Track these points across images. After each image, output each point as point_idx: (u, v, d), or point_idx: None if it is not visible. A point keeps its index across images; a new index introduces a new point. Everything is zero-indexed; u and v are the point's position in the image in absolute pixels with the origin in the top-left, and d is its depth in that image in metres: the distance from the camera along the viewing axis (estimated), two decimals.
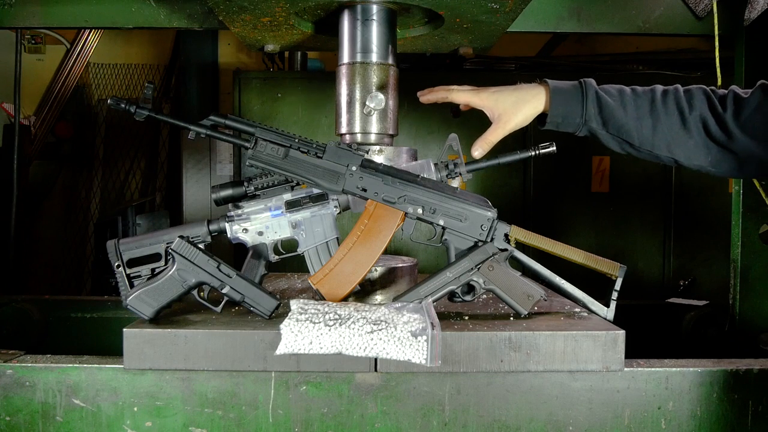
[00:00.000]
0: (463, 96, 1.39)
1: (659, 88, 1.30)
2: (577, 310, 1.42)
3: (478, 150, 1.38)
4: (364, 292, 1.49)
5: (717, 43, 1.62)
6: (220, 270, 1.29)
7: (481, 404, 1.24)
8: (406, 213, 1.36)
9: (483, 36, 1.76)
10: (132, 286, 1.36)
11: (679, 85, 1.31)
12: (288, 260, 1.46)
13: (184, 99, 3.96)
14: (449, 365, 1.20)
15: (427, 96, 1.45)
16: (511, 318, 1.34)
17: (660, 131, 1.27)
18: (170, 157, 4.23)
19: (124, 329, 1.22)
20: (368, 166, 1.36)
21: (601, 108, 1.29)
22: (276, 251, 1.45)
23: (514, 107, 1.33)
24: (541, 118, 1.36)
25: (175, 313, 1.34)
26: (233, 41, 4.19)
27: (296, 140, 1.35)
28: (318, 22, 1.71)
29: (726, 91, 1.27)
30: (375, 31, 1.53)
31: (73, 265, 4.24)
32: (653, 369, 1.27)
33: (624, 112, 1.28)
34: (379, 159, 1.49)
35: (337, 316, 1.20)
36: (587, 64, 3.46)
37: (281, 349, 1.15)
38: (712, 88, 1.30)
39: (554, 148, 1.44)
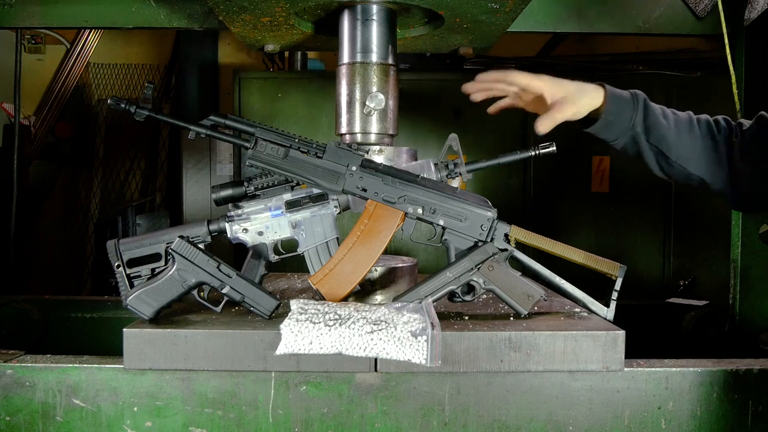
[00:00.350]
0: (523, 79, 1.37)
1: (692, 113, 1.37)
2: (577, 310, 1.42)
3: (543, 126, 1.34)
4: (364, 292, 1.49)
5: (726, 40, 1.62)
6: (220, 270, 1.29)
7: (481, 404, 1.24)
8: (406, 213, 1.36)
9: (483, 36, 1.76)
10: (132, 286, 1.36)
11: (706, 115, 1.37)
12: (288, 260, 1.46)
13: (184, 99, 3.96)
14: (449, 365, 1.20)
15: (479, 85, 1.42)
16: (511, 318, 1.34)
17: (695, 149, 1.32)
18: (170, 157, 4.22)
19: (124, 329, 1.22)
20: (368, 166, 1.36)
21: (646, 115, 1.32)
22: (276, 251, 1.45)
23: (575, 94, 1.33)
24: (584, 121, 1.37)
25: (175, 313, 1.34)
26: (233, 41, 4.19)
27: (296, 140, 1.35)
28: (318, 22, 1.71)
29: (738, 122, 1.36)
30: (375, 31, 1.53)
31: (73, 265, 4.24)
32: (653, 369, 1.27)
33: (667, 124, 1.32)
34: (379, 159, 1.49)
35: (337, 316, 1.20)
36: (587, 64, 3.46)
37: (281, 349, 1.15)
38: (726, 118, 1.36)
39: (554, 148, 1.44)
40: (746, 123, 1.35)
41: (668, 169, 1.36)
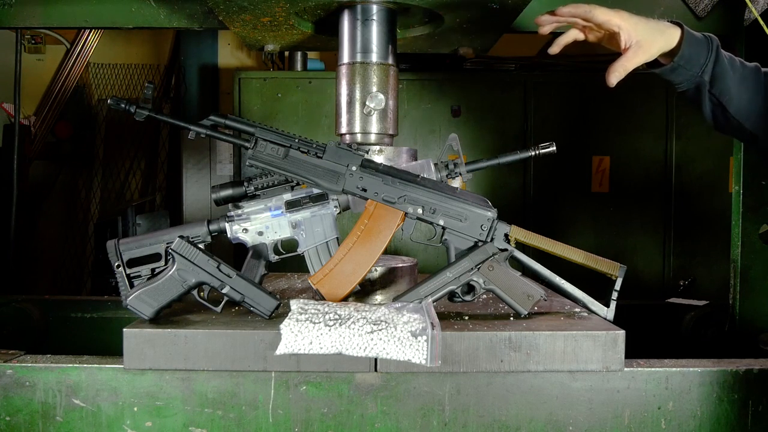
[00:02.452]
0: (601, 15, 1.29)
1: (757, 65, 1.32)
2: (577, 310, 1.42)
3: (615, 75, 1.30)
4: (364, 292, 1.49)
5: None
6: (220, 270, 1.29)
7: (481, 404, 1.24)
8: (406, 213, 1.36)
9: (483, 36, 1.76)
10: (132, 286, 1.36)
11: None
12: (288, 260, 1.46)
13: (184, 99, 3.96)
14: (449, 365, 1.20)
15: (554, 17, 1.37)
16: (511, 318, 1.34)
17: (756, 103, 1.28)
18: (170, 157, 4.22)
19: (124, 329, 1.22)
20: (368, 166, 1.36)
21: (716, 62, 1.27)
22: (276, 251, 1.45)
23: (651, 36, 1.27)
24: (652, 63, 1.32)
25: (175, 313, 1.34)
26: (233, 41, 4.19)
27: (296, 140, 1.35)
28: (318, 22, 1.71)
29: None
30: (375, 31, 1.53)
31: (73, 265, 4.24)
32: (653, 369, 1.27)
33: (733, 74, 1.28)
34: (379, 159, 1.49)
35: (337, 316, 1.20)
36: (587, 64, 3.46)
37: (281, 349, 1.15)
38: None
39: (554, 148, 1.44)
40: None
41: (723, 122, 1.31)
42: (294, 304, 1.27)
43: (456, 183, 1.44)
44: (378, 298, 1.51)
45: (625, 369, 1.25)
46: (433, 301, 1.31)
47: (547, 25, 1.39)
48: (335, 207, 1.44)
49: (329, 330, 1.16)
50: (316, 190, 1.42)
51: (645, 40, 1.27)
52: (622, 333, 1.24)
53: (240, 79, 3.36)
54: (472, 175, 1.47)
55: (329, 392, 1.23)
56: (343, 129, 1.56)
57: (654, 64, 1.32)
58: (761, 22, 1.40)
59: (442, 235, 1.37)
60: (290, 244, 1.45)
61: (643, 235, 3.31)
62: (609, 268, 1.37)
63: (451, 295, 1.34)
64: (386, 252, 1.41)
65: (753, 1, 1.69)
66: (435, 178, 1.42)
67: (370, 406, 1.24)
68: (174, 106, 4.17)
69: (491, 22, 1.62)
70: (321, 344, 1.15)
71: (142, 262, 1.39)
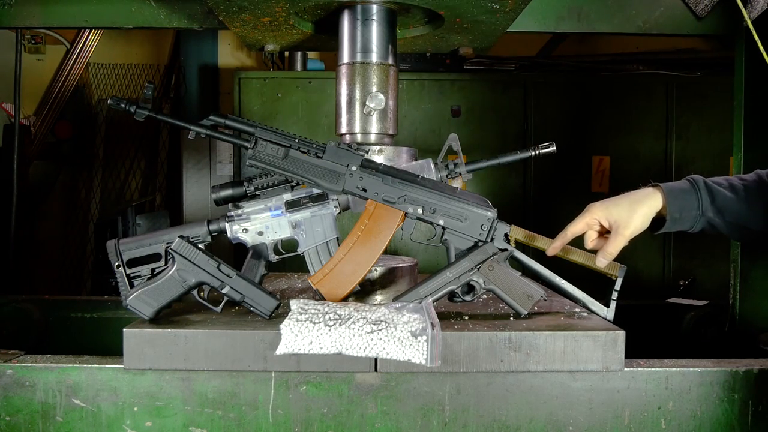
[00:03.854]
0: (577, 227, 1.32)
1: (761, 171, 1.32)
2: (577, 310, 1.42)
3: (603, 261, 1.31)
4: (364, 292, 1.49)
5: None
6: (220, 270, 1.29)
7: (481, 404, 1.24)
8: (406, 213, 1.36)
9: (483, 36, 1.76)
10: (132, 286, 1.36)
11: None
12: (288, 260, 1.46)
13: (184, 99, 3.96)
14: (449, 365, 1.20)
15: (554, 251, 1.37)
16: (511, 318, 1.34)
17: None
18: (170, 157, 4.22)
19: (124, 329, 1.22)
20: (368, 166, 1.36)
21: (713, 197, 1.28)
22: (276, 251, 1.45)
23: (629, 211, 1.29)
24: (653, 225, 1.33)
25: (175, 313, 1.34)
26: (233, 41, 4.18)
27: (296, 140, 1.35)
28: (318, 22, 1.71)
29: None
30: (375, 31, 1.53)
31: (73, 265, 4.24)
32: (653, 369, 1.27)
33: (736, 196, 1.28)
34: (379, 159, 1.49)
35: (337, 316, 1.20)
36: (587, 64, 3.46)
37: (281, 349, 1.15)
38: None
39: (554, 148, 1.44)
40: None
41: (755, 240, 1.33)
42: (294, 304, 1.27)
43: (456, 183, 1.44)
44: (378, 298, 1.51)
45: (625, 369, 1.25)
46: (433, 301, 1.31)
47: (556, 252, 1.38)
48: (335, 207, 1.44)
49: (329, 330, 1.16)
50: (316, 190, 1.42)
51: (621, 219, 1.28)
52: (622, 333, 1.24)
53: (240, 79, 3.36)
54: (472, 175, 1.47)
55: (329, 392, 1.23)
56: (343, 129, 1.56)
57: (655, 227, 1.33)
58: (755, 37, 1.39)
59: (442, 235, 1.37)
60: (290, 244, 1.45)
61: (643, 235, 3.30)
62: (609, 268, 1.37)
63: (451, 295, 1.34)
64: (386, 252, 1.41)
65: (753, 1, 1.68)
66: (435, 178, 1.42)
67: (370, 406, 1.23)
68: (174, 106, 4.17)
69: (491, 22, 1.62)
70: (321, 344, 1.15)
71: (142, 262, 1.39)
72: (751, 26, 1.49)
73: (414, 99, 3.29)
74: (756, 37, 1.41)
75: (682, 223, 1.30)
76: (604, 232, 1.33)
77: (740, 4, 1.61)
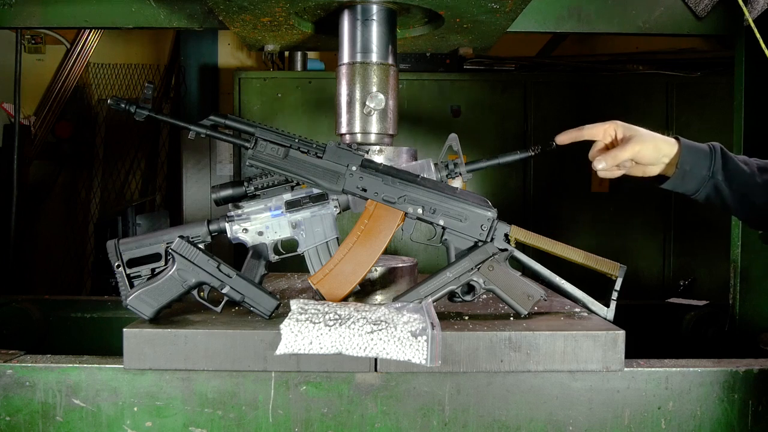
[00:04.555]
0: (595, 129, 1.33)
1: None
2: (577, 310, 1.42)
3: (603, 163, 1.29)
4: (364, 292, 1.49)
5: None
6: (220, 270, 1.29)
7: (481, 404, 1.24)
8: (406, 213, 1.36)
9: (483, 36, 1.76)
10: (132, 286, 1.36)
11: None
12: (288, 260, 1.46)
13: (184, 99, 3.96)
14: (449, 365, 1.20)
15: (563, 137, 1.40)
16: (511, 318, 1.34)
17: None
18: (170, 157, 4.22)
19: (124, 329, 1.22)
20: (368, 166, 1.36)
21: (725, 162, 1.27)
22: (276, 251, 1.45)
23: (646, 136, 1.29)
24: (660, 179, 1.33)
25: (175, 313, 1.34)
26: (233, 41, 4.19)
27: (296, 140, 1.35)
28: (318, 22, 1.71)
29: None
30: (375, 31, 1.53)
31: (73, 265, 4.24)
32: (653, 369, 1.27)
33: (748, 169, 1.27)
34: (379, 159, 1.49)
35: (337, 316, 1.20)
36: (587, 64, 3.46)
37: (281, 349, 1.15)
38: None
39: (555, 145, 1.44)
40: None
41: (757, 219, 1.31)
42: (294, 304, 1.27)
43: (456, 183, 1.44)
44: (378, 298, 1.51)
45: (625, 369, 1.25)
46: (433, 301, 1.31)
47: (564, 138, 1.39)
48: (335, 207, 1.44)
49: (329, 330, 1.16)
50: (316, 190, 1.42)
51: (638, 135, 1.29)
52: (622, 333, 1.24)
53: (240, 79, 3.36)
54: (472, 175, 1.47)
55: (329, 392, 1.23)
56: (343, 129, 1.56)
57: (662, 180, 1.32)
58: (757, 35, 1.39)
59: (442, 235, 1.37)
60: (290, 244, 1.45)
61: (643, 235, 3.31)
62: (609, 268, 1.37)
63: (451, 295, 1.34)
64: (386, 252, 1.41)
65: (753, 1, 1.68)
66: (435, 178, 1.42)
67: (370, 406, 1.24)
68: (174, 106, 4.17)
69: (491, 22, 1.62)
70: (321, 344, 1.15)
71: (142, 262, 1.39)
72: (752, 24, 1.49)
73: (414, 99, 3.29)
74: (758, 35, 1.41)
75: (690, 181, 1.29)
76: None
77: (741, 4, 1.61)
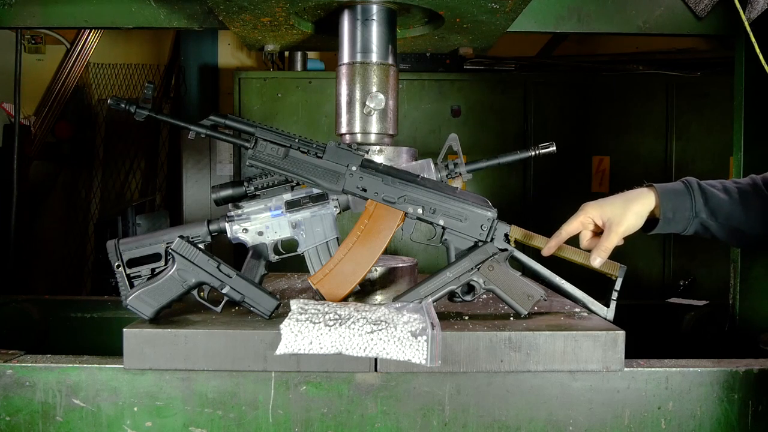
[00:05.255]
0: (572, 226, 1.33)
1: (755, 176, 1.32)
2: (577, 310, 1.42)
3: (598, 259, 1.31)
4: (364, 292, 1.49)
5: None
6: (220, 270, 1.29)
7: (481, 404, 1.24)
8: (406, 213, 1.36)
9: (483, 36, 1.76)
10: (132, 286, 1.36)
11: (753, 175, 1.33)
12: (288, 260, 1.46)
13: (184, 99, 3.96)
14: (449, 365, 1.20)
15: (549, 251, 1.37)
16: (511, 318, 1.34)
17: None
18: (170, 157, 4.22)
19: (124, 329, 1.22)
20: (368, 166, 1.36)
21: (707, 198, 1.28)
22: (276, 251, 1.45)
23: (622, 209, 1.30)
24: (646, 226, 1.34)
25: (175, 313, 1.34)
26: (233, 41, 4.19)
27: (296, 140, 1.35)
28: (318, 22, 1.71)
29: None
30: (375, 31, 1.53)
31: (73, 265, 4.24)
32: (653, 369, 1.27)
33: (729, 199, 1.27)
34: (379, 159, 1.49)
35: (337, 316, 1.20)
36: (587, 64, 3.46)
37: (281, 349, 1.15)
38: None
39: (554, 148, 1.44)
40: None
41: (748, 242, 1.31)
42: (294, 304, 1.27)
43: (456, 183, 1.44)
44: (378, 298, 1.51)
45: (625, 369, 1.25)
46: (433, 301, 1.31)
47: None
48: (335, 207, 1.44)
49: (329, 330, 1.16)
50: (316, 190, 1.42)
51: (615, 216, 1.29)
52: (622, 333, 1.24)
53: (240, 79, 3.36)
54: (472, 175, 1.47)
55: (329, 392, 1.23)
56: (343, 129, 1.56)
57: (649, 228, 1.34)
58: (753, 40, 1.39)
59: (442, 235, 1.37)
60: (290, 244, 1.45)
61: (643, 235, 3.30)
62: (609, 268, 1.37)
63: (451, 295, 1.34)
64: (386, 252, 1.41)
65: (753, 1, 1.68)
66: (435, 178, 1.42)
67: (370, 406, 1.23)
68: (174, 106, 4.17)
69: (491, 22, 1.62)
70: (321, 344, 1.15)
71: (142, 262, 1.39)
72: (748, 28, 1.49)
73: (414, 99, 3.29)
74: (753, 40, 1.41)
75: (676, 224, 1.31)
76: (599, 232, 1.34)
77: (738, 7, 1.61)
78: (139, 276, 1.38)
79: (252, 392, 1.23)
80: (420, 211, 1.35)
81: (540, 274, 1.38)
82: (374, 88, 1.52)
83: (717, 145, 3.29)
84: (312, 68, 3.63)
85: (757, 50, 1.39)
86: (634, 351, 1.29)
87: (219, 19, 1.63)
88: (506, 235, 1.36)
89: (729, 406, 1.28)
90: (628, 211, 1.29)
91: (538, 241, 1.36)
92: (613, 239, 1.30)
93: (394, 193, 1.35)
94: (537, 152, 1.44)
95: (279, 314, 1.29)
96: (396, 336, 1.15)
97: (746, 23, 1.60)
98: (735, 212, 1.28)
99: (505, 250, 1.35)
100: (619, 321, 1.33)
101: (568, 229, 1.33)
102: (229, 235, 1.42)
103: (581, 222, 1.32)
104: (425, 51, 1.96)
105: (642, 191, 1.31)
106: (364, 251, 1.35)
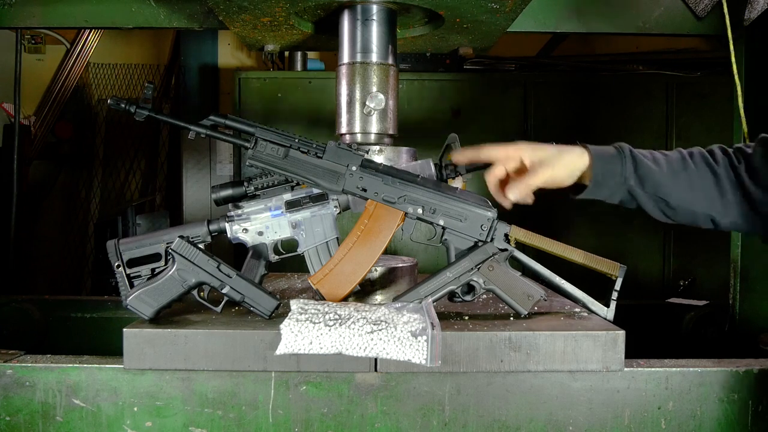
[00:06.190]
0: (496, 151, 1.30)
1: (683, 149, 1.29)
2: (577, 310, 1.42)
3: (514, 193, 1.26)
4: (364, 292, 1.49)
5: (731, 38, 1.59)
6: (220, 270, 1.29)
7: (481, 404, 1.24)
8: (406, 213, 1.36)
9: (483, 36, 1.76)
10: (132, 286, 1.36)
11: (698, 147, 1.30)
12: (288, 260, 1.46)
13: (184, 99, 3.96)
14: (449, 365, 1.20)
15: (461, 157, 1.36)
16: (511, 318, 1.34)
17: (696, 187, 1.25)
18: (170, 157, 4.22)
19: (124, 329, 1.22)
20: (368, 166, 1.36)
21: (636, 165, 1.25)
22: (276, 251, 1.45)
23: (555, 157, 1.26)
24: (574, 189, 1.32)
25: (175, 313, 1.34)
26: (233, 41, 4.18)
27: (296, 140, 1.35)
28: (318, 22, 1.71)
29: (735, 147, 1.28)
30: (375, 31, 1.53)
31: (73, 265, 4.24)
32: (653, 369, 1.27)
33: (659, 169, 1.25)
34: (379, 159, 1.49)
35: (337, 316, 1.20)
36: (587, 64, 3.46)
37: (281, 349, 1.15)
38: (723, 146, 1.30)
39: None
40: (747, 147, 1.27)
41: (673, 214, 1.28)
42: (294, 304, 1.27)
43: (456, 183, 1.44)
44: (378, 298, 1.51)
45: (625, 369, 1.25)
46: (433, 301, 1.31)
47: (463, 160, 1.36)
48: (335, 207, 1.44)
49: (329, 330, 1.16)
50: (316, 190, 1.42)
51: (546, 160, 1.26)
52: (622, 333, 1.24)
53: (240, 79, 3.36)
54: (472, 175, 1.47)
55: (329, 392, 1.23)
56: (343, 129, 1.56)
57: (577, 191, 1.30)
58: (731, 49, 1.39)
59: (442, 235, 1.37)
60: (290, 244, 1.45)
61: (643, 235, 3.31)
62: (609, 268, 1.37)
63: (451, 295, 1.34)
64: (386, 252, 1.41)
65: (753, 1, 1.69)
66: (435, 178, 1.42)
67: (370, 406, 1.24)
68: (174, 106, 4.17)
69: (491, 22, 1.62)
70: (321, 344, 1.15)
71: (142, 262, 1.39)
72: (731, 42, 1.49)
73: (414, 99, 3.29)
74: (732, 49, 1.41)
75: (604, 190, 1.27)
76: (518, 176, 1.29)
77: (726, 12, 1.61)
78: (139, 276, 1.38)
79: (252, 392, 1.23)
80: (420, 211, 1.35)
81: (540, 274, 1.38)
82: (374, 88, 1.52)
83: None
84: (312, 68, 3.63)
85: (733, 60, 1.39)
86: (634, 351, 1.29)
87: (219, 19, 1.63)
88: (506, 235, 1.36)
89: (729, 406, 1.28)
90: (560, 161, 1.26)
91: (538, 241, 1.36)
92: (537, 179, 1.25)
93: (394, 193, 1.35)
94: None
95: (279, 314, 1.29)
96: (396, 336, 1.15)
97: (729, 29, 1.60)
98: (663, 182, 1.25)
99: (505, 250, 1.35)
100: (619, 321, 1.32)
101: (492, 152, 1.29)
102: (229, 235, 1.42)
103: (507, 153, 1.28)
104: (425, 51, 1.96)
105: (577, 148, 1.28)
106: (364, 251, 1.35)
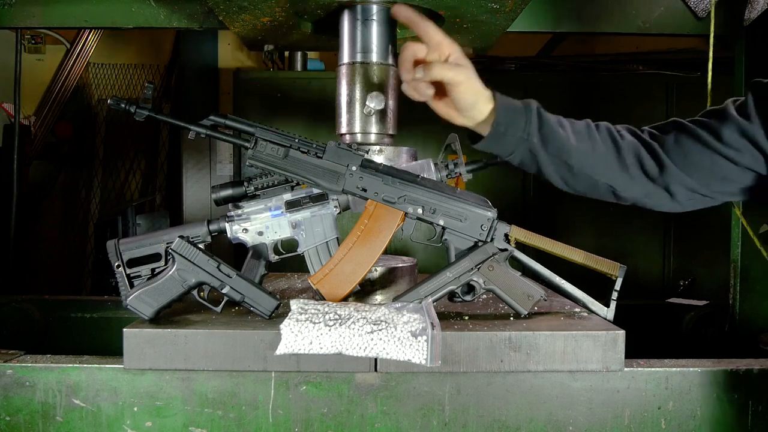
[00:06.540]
0: (431, 32, 1.17)
1: (591, 121, 1.27)
2: (577, 310, 1.42)
3: (421, 71, 1.15)
4: (364, 292, 1.49)
5: (712, 42, 1.61)
6: (220, 270, 1.29)
7: (481, 404, 1.24)
8: (406, 213, 1.36)
9: (483, 36, 1.76)
10: (132, 286, 1.36)
11: (607, 122, 1.28)
12: (288, 260, 1.46)
13: (184, 99, 3.96)
14: (449, 365, 1.20)
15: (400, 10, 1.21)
16: (511, 318, 1.34)
17: (598, 155, 1.22)
18: (170, 157, 4.22)
19: (124, 329, 1.22)
20: (368, 166, 1.36)
21: (541, 124, 1.20)
22: (276, 251, 1.45)
23: (474, 76, 1.18)
24: (473, 138, 1.26)
25: (175, 313, 1.34)
26: (233, 41, 4.18)
27: (296, 140, 1.35)
28: (318, 22, 1.71)
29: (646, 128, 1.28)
30: (375, 31, 1.53)
31: (73, 265, 4.24)
32: (653, 369, 1.27)
33: (564, 132, 1.21)
34: (379, 159, 1.49)
35: (337, 316, 1.20)
36: (587, 64, 3.46)
37: (281, 349, 1.15)
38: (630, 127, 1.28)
39: None
40: (656, 129, 1.27)
41: (572, 181, 1.24)
42: (294, 304, 1.27)
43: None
44: (378, 298, 1.51)
45: (625, 369, 1.25)
46: (433, 301, 1.31)
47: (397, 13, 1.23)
48: (335, 207, 1.44)
49: (329, 330, 1.16)
50: (316, 190, 1.42)
51: (468, 70, 1.17)
52: (622, 333, 1.24)
53: (240, 79, 3.36)
54: (472, 175, 1.47)
55: (329, 392, 1.23)
56: (343, 129, 1.56)
57: (476, 140, 1.25)
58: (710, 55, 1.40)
59: (442, 235, 1.37)
60: (290, 244, 1.45)
61: (643, 235, 3.31)
62: (609, 268, 1.37)
63: (451, 295, 1.34)
64: (386, 252, 1.41)
65: (753, 1, 1.69)
66: (435, 178, 1.42)
67: (370, 406, 1.24)
68: (174, 106, 4.17)
69: (491, 22, 1.62)
70: (321, 344, 1.15)
71: (142, 262, 1.39)
72: (711, 45, 1.48)
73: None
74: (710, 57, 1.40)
75: (504, 144, 1.21)
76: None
77: (712, 13, 1.61)
78: (139, 276, 1.38)
79: (252, 392, 1.23)
80: (420, 211, 1.35)
81: (540, 274, 1.38)
82: (374, 89, 1.52)
83: None
84: (312, 68, 3.63)
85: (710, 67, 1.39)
86: (634, 351, 1.29)
87: (219, 19, 1.63)
88: (506, 235, 1.36)
89: (729, 406, 1.28)
90: (474, 82, 1.18)
91: (538, 241, 1.36)
92: (452, 71, 1.15)
93: (394, 193, 1.35)
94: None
95: (279, 314, 1.29)
96: (396, 336, 1.15)
97: (711, 37, 1.60)
98: (566, 145, 1.20)
99: (505, 250, 1.35)
100: (619, 321, 1.33)
101: (431, 32, 1.17)
102: (229, 235, 1.42)
103: (442, 43, 1.17)
104: None
105: (488, 90, 1.21)
106: (364, 251, 1.35)
